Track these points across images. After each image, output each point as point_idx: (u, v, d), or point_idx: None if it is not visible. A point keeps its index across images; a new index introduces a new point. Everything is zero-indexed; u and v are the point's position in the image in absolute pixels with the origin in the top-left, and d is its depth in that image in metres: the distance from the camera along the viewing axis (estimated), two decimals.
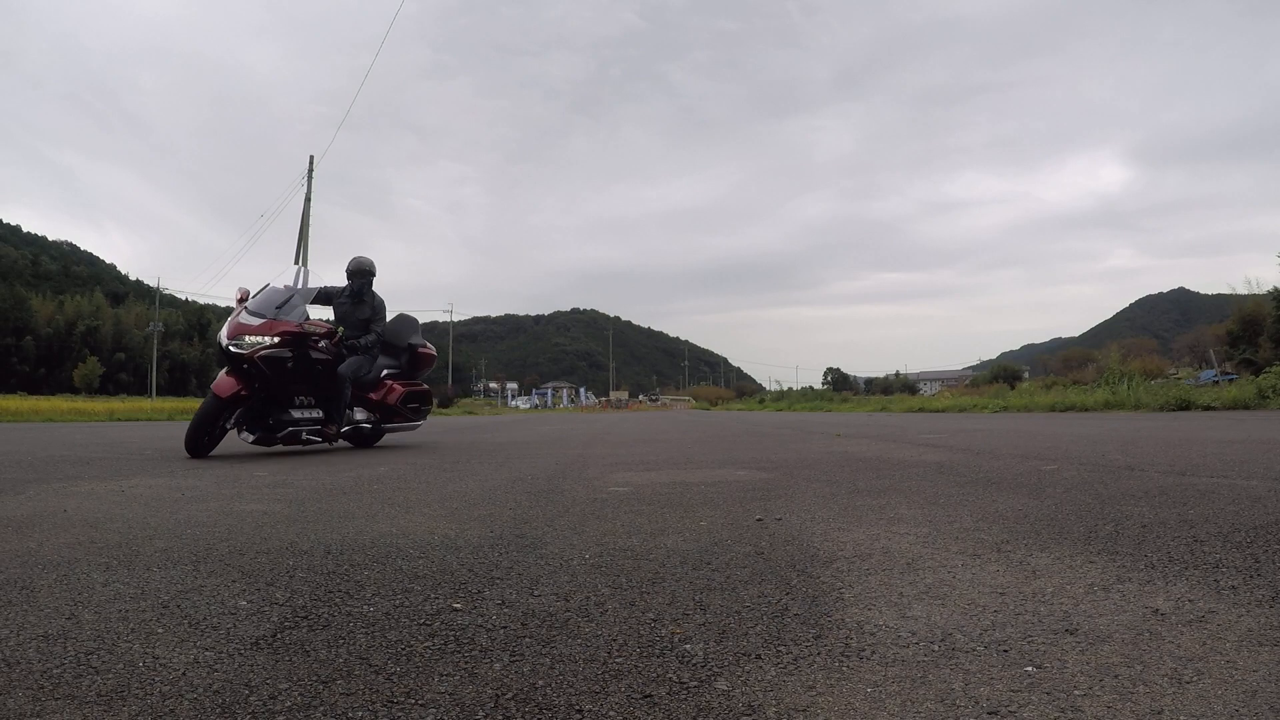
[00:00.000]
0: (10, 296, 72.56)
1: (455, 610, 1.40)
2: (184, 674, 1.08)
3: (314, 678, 1.07)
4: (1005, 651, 1.14)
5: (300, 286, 6.19)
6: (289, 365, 5.60)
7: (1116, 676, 1.03)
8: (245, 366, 5.41)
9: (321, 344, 5.92)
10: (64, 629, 1.28)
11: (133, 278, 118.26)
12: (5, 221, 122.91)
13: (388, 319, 6.78)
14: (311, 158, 27.39)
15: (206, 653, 1.17)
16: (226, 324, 5.61)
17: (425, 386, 6.95)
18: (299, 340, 5.65)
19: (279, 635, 1.26)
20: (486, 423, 16.21)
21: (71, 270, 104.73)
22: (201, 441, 5.29)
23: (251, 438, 5.57)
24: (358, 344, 6.23)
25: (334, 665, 1.12)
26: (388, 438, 7.34)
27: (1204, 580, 1.51)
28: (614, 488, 3.25)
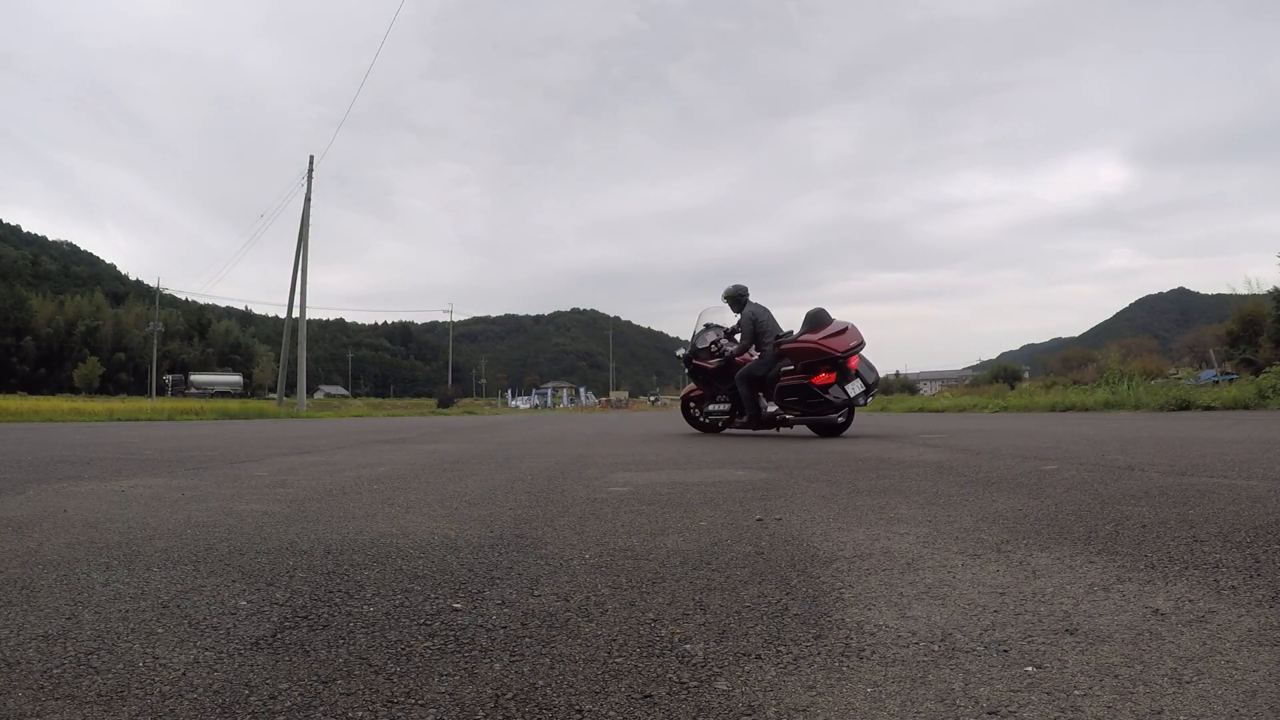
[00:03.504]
0: (10, 296, 72.56)
1: (455, 610, 1.40)
2: (184, 674, 1.08)
3: (314, 678, 1.07)
4: (1005, 651, 1.14)
5: (710, 320, 8.59)
6: (700, 376, 8.42)
7: (1116, 676, 1.03)
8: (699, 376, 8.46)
9: (711, 360, 8.27)
10: (64, 629, 1.28)
11: (133, 278, 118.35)
12: (5, 221, 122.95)
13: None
14: (311, 158, 27.39)
15: (206, 653, 1.17)
16: None
17: (801, 380, 7.12)
18: (688, 361, 8.55)
19: (279, 635, 1.26)
20: (486, 423, 16.21)
21: (71, 270, 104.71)
22: (691, 419, 8.77)
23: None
24: (728, 352, 8.21)
25: (334, 665, 1.12)
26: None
27: (1204, 580, 1.51)
28: (614, 488, 3.25)
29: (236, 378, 67.34)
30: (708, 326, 8.53)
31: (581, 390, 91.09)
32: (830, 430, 7.31)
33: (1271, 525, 2.03)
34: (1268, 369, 15.06)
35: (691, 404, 8.72)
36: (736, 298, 8.11)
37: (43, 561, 1.80)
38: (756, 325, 7.83)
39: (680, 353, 8.75)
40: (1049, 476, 3.29)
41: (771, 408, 7.57)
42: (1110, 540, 1.91)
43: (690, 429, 8.84)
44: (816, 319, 7.36)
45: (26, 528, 2.26)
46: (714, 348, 8.30)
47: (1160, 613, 1.31)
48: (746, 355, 7.92)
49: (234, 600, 1.46)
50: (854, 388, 7.13)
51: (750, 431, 8.06)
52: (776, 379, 7.38)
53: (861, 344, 7.10)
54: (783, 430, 8.01)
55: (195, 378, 64.65)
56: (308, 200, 26.71)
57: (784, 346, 7.35)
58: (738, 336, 8.14)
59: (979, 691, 0.99)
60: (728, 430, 8.39)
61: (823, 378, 7.01)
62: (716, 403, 8.24)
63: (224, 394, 54.62)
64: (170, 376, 62.49)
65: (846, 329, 7.17)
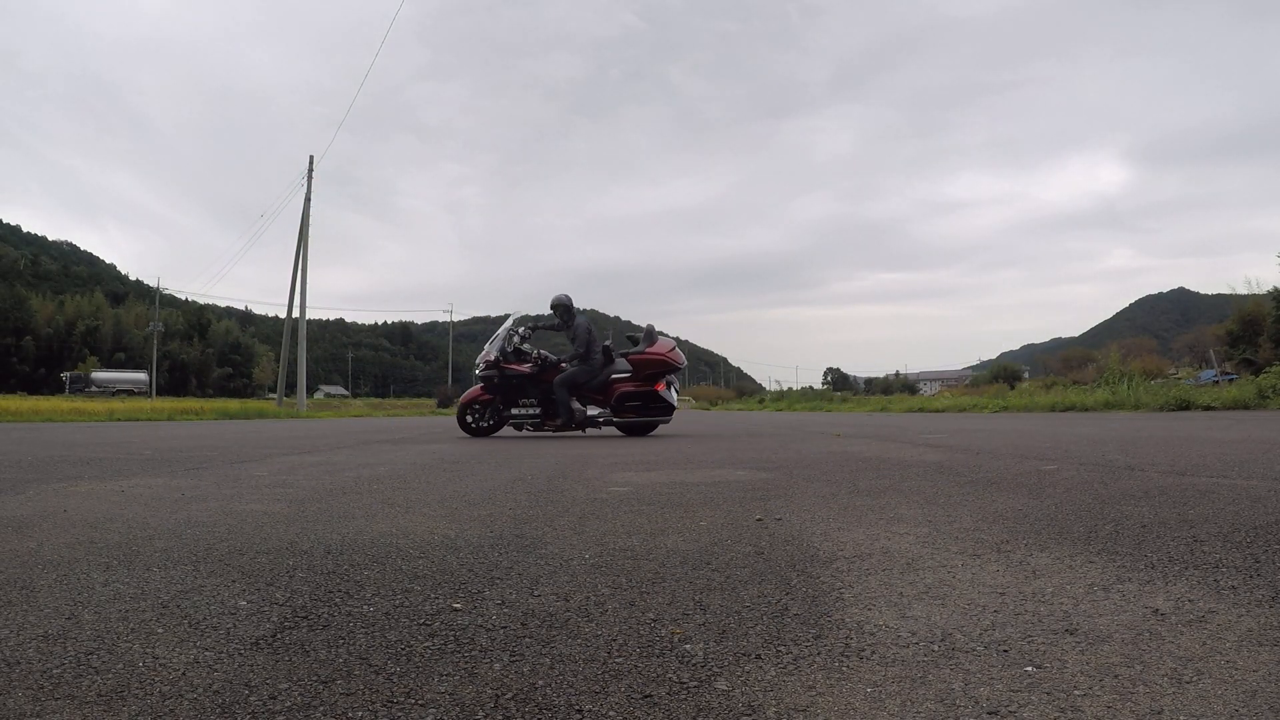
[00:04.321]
0: (10, 296, 72.55)
1: (455, 610, 1.40)
2: (184, 674, 1.08)
3: (314, 678, 1.07)
4: (1005, 651, 1.14)
5: (513, 326, 8.73)
6: (495, 380, 8.43)
7: (1116, 676, 1.03)
8: (482, 382, 8.56)
9: (525, 365, 8.41)
10: (64, 629, 1.28)
11: (133, 278, 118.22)
12: (5, 221, 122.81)
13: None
14: (311, 158, 27.39)
15: (206, 653, 1.17)
16: None
17: (648, 387, 8.45)
18: (494, 364, 8.46)
19: (279, 635, 1.26)
20: None
21: (71, 270, 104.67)
22: (466, 423, 8.52)
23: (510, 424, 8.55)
24: (562, 360, 8.47)
25: (334, 665, 1.12)
26: (660, 427, 9.06)
27: (1204, 580, 1.51)
28: (614, 488, 3.25)
29: (141, 375, 62.55)
30: (511, 333, 8.63)
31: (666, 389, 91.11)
32: (641, 430, 8.51)
33: (1271, 525, 2.03)
34: (1268, 369, 15.06)
35: (475, 408, 8.59)
36: (568, 307, 8.59)
37: (43, 561, 1.80)
38: (591, 334, 8.51)
39: (493, 357, 8.49)
40: (1049, 476, 3.29)
41: (593, 410, 8.47)
42: (1110, 540, 1.91)
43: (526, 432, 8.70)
44: (651, 334, 8.72)
45: (26, 528, 2.26)
46: (535, 353, 8.48)
47: (1160, 613, 1.31)
48: (518, 364, 8.42)
49: (234, 600, 1.46)
50: (675, 394, 8.64)
51: (549, 434, 8.46)
52: (607, 385, 8.39)
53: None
54: (589, 430, 8.71)
55: (97, 375, 60.22)
56: (308, 200, 26.72)
57: (635, 357, 8.48)
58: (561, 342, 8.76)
59: (979, 691, 0.99)
60: (523, 432, 8.60)
61: (660, 385, 8.45)
62: (522, 406, 8.42)
63: (127, 392, 51.58)
64: (68, 374, 58.56)
65: (674, 345, 8.73)
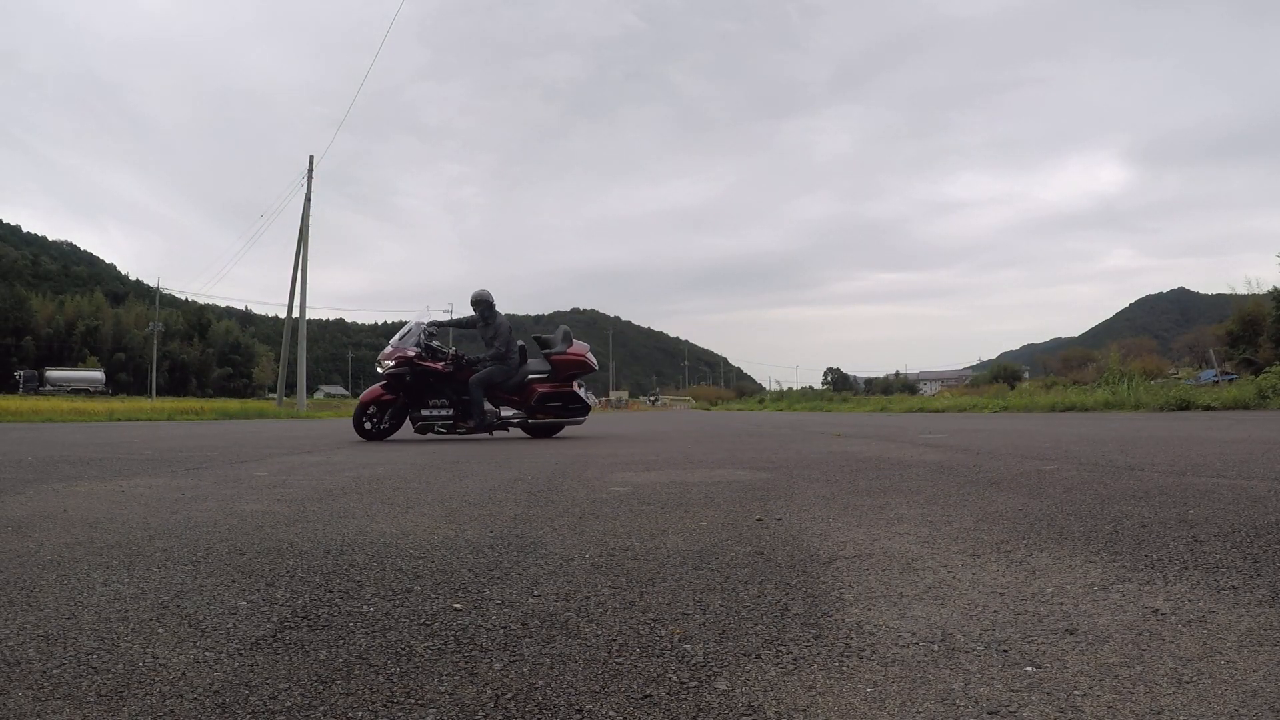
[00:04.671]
0: (10, 296, 72.54)
1: (455, 610, 1.40)
2: (184, 674, 1.08)
3: (314, 678, 1.07)
4: (1005, 651, 1.14)
5: (425, 321, 8.24)
6: (407, 379, 7.77)
7: (1116, 676, 1.03)
8: (388, 381, 7.81)
9: (440, 363, 7.88)
10: (64, 629, 1.28)
11: (133, 278, 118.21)
12: (5, 221, 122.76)
13: (542, 333, 8.60)
14: (311, 158, 27.38)
15: (206, 653, 1.17)
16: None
17: (567, 388, 8.25)
18: (408, 361, 7.82)
19: (279, 635, 1.26)
20: None
21: (71, 270, 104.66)
22: (363, 428, 7.74)
23: (414, 427, 7.93)
24: (479, 358, 8.05)
25: (334, 665, 1.12)
26: (566, 430, 8.85)
27: (1204, 580, 1.51)
28: (614, 488, 3.25)
29: (98, 374, 60.96)
30: (421, 329, 8.13)
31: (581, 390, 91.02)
32: (551, 431, 8.31)
33: (1271, 525, 2.03)
34: (1268, 369, 15.06)
35: (372, 409, 7.86)
36: (491, 304, 8.18)
37: (43, 561, 1.80)
38: (511, 334, 8.18)
39: (412, 352, 7.85)
40: (1049, 476, 3.29)
41: (507, 411, 8.11)
42: (1110, 540, 1.91)
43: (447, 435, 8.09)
44: (569, 335, 8.50)
45: (26, 528, 2.26)
46: (450, 350, 8.08)
47: (1160, 613, 1.31)
48: (432, 362, 7.87)
49: (234, 600, 1.46)
50: (592, 396, 8.55)
51: (459, 437, 7.98)
52: (523, 385, 8.09)
53: None
54: (499, 433, 8.37)
55: (52, 374, 58.55)
56: (308, 200, 26.71)
57: (557, 357, 8.25)
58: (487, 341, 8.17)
59: (979, 691, 0.99)
60: (427, 436, 8.02)
61: (576, 386, 8.28)
62: (433, 407, 7.91)
63: (83, 391, 50.25)
64: (20, 373, 57.01)
65: (589, 348, 8.58)
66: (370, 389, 8.11)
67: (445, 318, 8.49)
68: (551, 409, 8.12)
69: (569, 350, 8.34)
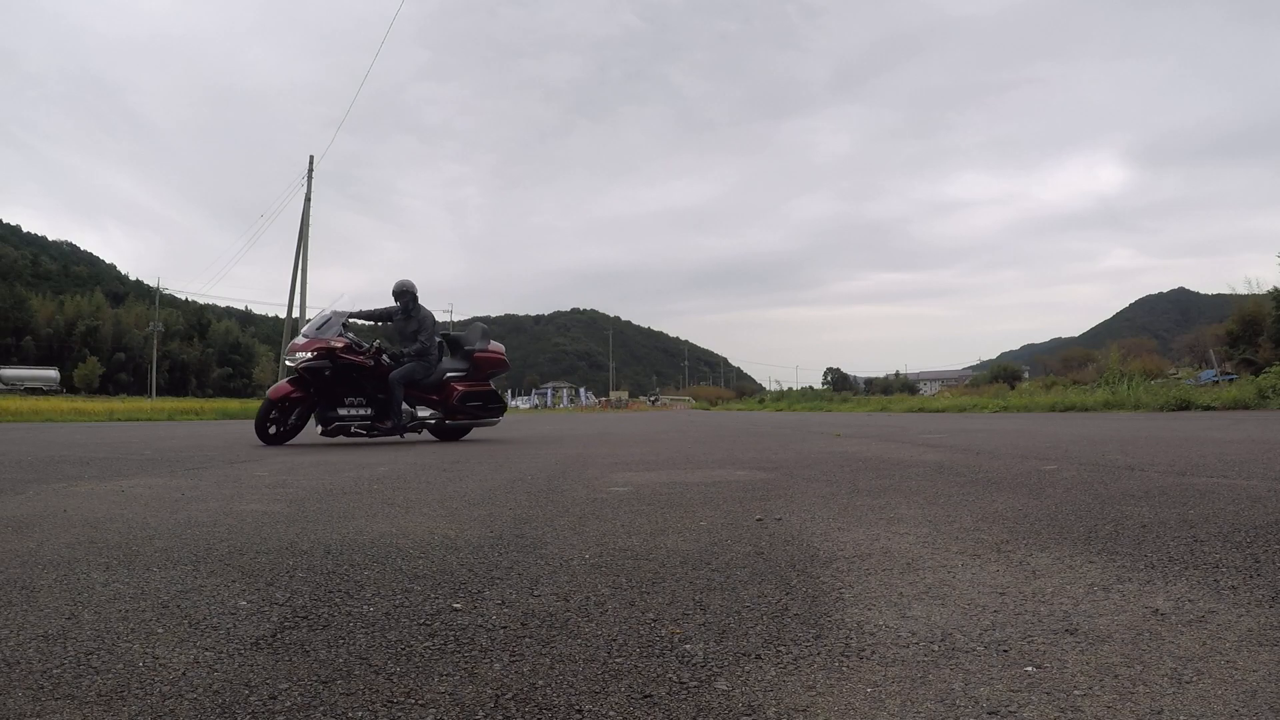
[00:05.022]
0: (10, 296, 72.54)
1: (455, 610, 1.40)
2: (184, 674, 1.08)
3: (314, 678, 1.07)
4: (1005, 651, 1.14)
5: (343, 310, 7.39)
6: (327, 373, 6.94)
7: (1116, 676, 1.03)
8: (299, 376, 6.94)
9: (361, 354, 7.12)
10: (64, 629, 1.28)
11: (133, 278, 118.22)
12: (5, 221, 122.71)
13: (457, 328, 8.16)
14: (311, 158, 27.39)
15: (206, 653, 1.17)
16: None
17: (487, 387, 7.81)
18: (330, 353, 6.94)
19: (279, 635, 1.26)
20: None
21: (71, 270, 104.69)
22: (266, 431, 6.80)
23: (320, 429, 7.06)
24: (403, 353, 7.39)
25: (334, 665, 1.12)
26: (475, 431, 8.33)
27: (1204, 580, 1.51)
28: (614, 488, 3.25)
29: (52, 373, 58.14)
30: (342, 319, 7.32)
31: (581, 390, 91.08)
32: (459, 434, 7.80)
33: (1271, 525, 2.03)
34: (1268, 369, 15.06)
35: (274, 413, 6.88)
36: (415, 295, 7.58)
37: (43, 561, 1.80)
38: (435, 328, 7.61)
39: (336, 343, 6.99)
40: (1049, 476, 3.29)
41: (424, 411, 7.44)
42: (1110, 540, 1.91)
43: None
44: (486, 332, 8.03)
45: (26, 528, 2.26)
46: (371, 344, 7.39)
47: (1160, 613, 1.31)
48: (354, 355, 7.09)
49: (234, 600, 1.46)
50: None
51: (370, 439, 7.34)
52: (441, 383, 7.49)
53: None
54: (412, 435, 7.73)
55: (3, 372, 56.16)
56: (308, 200, 26.71)
57: (480, 355, 7.76)
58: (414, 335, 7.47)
59: (979, 691, 0.99)
60: (339, 439, 7.26)
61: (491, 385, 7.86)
62: (350, 406, 7.05)
63: (36, 390, 47.91)
64: None
65: (503, 347, 8.13)
66: (277, 385, 7.21)
67: (351, 308, 7.58)
68: (472, 409, 7.61)
69: (490, 347, 7.89)
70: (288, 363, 7.12)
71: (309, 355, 6.89)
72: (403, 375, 7.23)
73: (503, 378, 8.36)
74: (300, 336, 7.28)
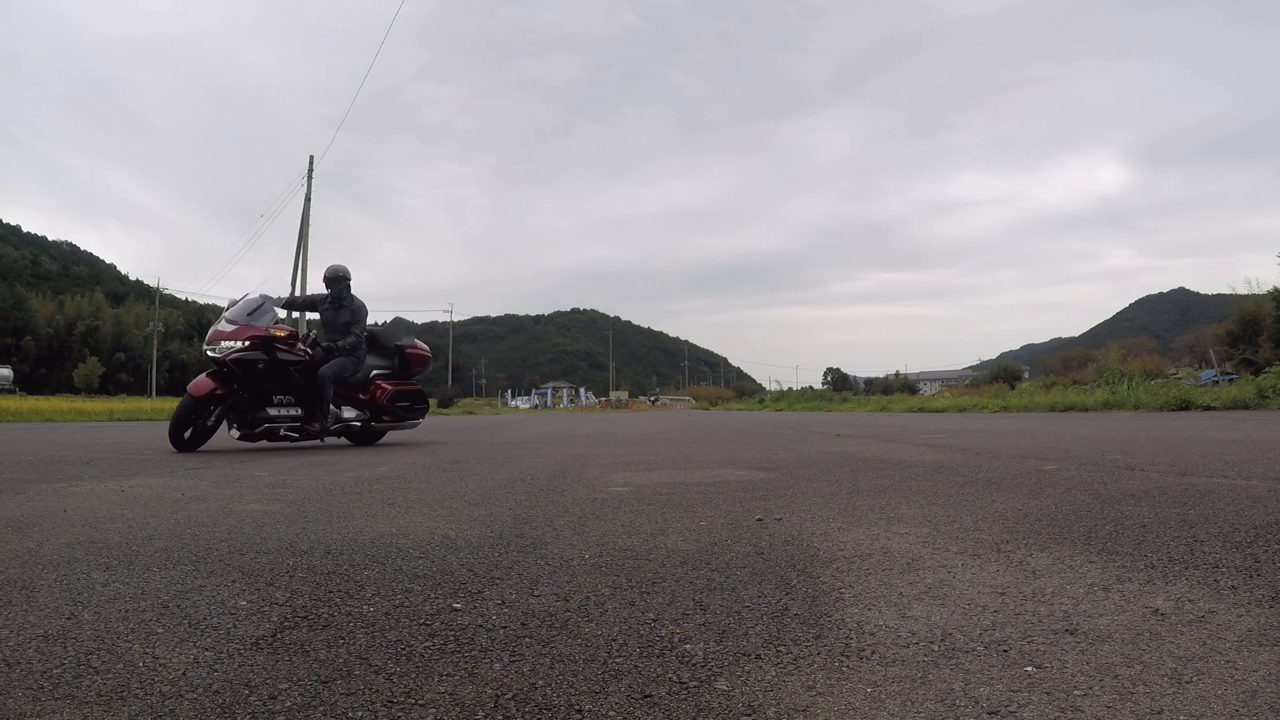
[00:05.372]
0: (10, 296, 72.54)
1: (455, 610, 1.40)
2: (184, 674, 1.08)
3: (314, 678, 1.07)
4: (1005, 651, 1.14)
5: (274, 295, 6.58)
6: (260, 367, 6.06)
7: (1116, 676, 1.03)
8: (224, 369, 5.97)
9: (298, 346, 6.38)
10: (64, 629, 1.28)
11: (133, 278, 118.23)
12: (5, 221, 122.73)
13: (386, 321, 7.33)
14: (311, 158, 27.38)
15: (206, 653, 1.17)
16: (210, 331, 6.24)
17: (417, 386, 7.25)
18: (267, 343, 6.07)
19: (279, 635, 1.26)
20: (486, 423, 16.22)
21: (71, 270, 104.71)
22: (182, 436, 5.81)
23: (237, 434, 6.11)
24: (336, 346, 6.57)
25: (334, 665, 1.12)
26: (390, 436, 7.63)
27: (1204, 580, 1.51)
28: (614, 488, 3.25)
29: (5, 371, 55.47)
30: (276, 306, 6.55)
31: (581, 390, 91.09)
32: (375, 438, 7.13)
33: (1271, 525, 2.03)
34: (1268, 369, 15.06)
35: (208, 408, 5.95)
36: (349, 283, 6.80)
37: (43, 561, 1.80)
38: (365, 321, 6.87)
39: (272, 332, 6.11)
40: (1049, 476, 3.29)
41: (349, 411, 6.69)
42: (1110, 540, 1.91)
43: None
44: (410, 327, 7.46)
45: (26, 528, 2.26)
46: (312, 335, 6.85)
47: (1160, 613, 1.31)
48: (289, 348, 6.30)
49: (234, 600, 1.46)
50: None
51: (291, 443, 6.59)
52: (368, 381, 6.79)
53: None
54: (332, 440, 7.11)
55: None
56: (308, 200, 26.71)
57: (410, 351, 7.17)
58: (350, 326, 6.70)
59: (979, 691, 0.99)
60: (261, 443, 6.41)
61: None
62: (279, 406, 6.20)
63: None
64: None
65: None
66: (198, 380, 6.02)
67: (271, 296, 6.61)
68: (400, 410, 6.90)
69: (417, 343, 7.28)
70: (209, 353, 6.00)
71: (239, 345, 5.93)
72: (334, 371, 6.41)
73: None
74: (224, 322, 6.13)
